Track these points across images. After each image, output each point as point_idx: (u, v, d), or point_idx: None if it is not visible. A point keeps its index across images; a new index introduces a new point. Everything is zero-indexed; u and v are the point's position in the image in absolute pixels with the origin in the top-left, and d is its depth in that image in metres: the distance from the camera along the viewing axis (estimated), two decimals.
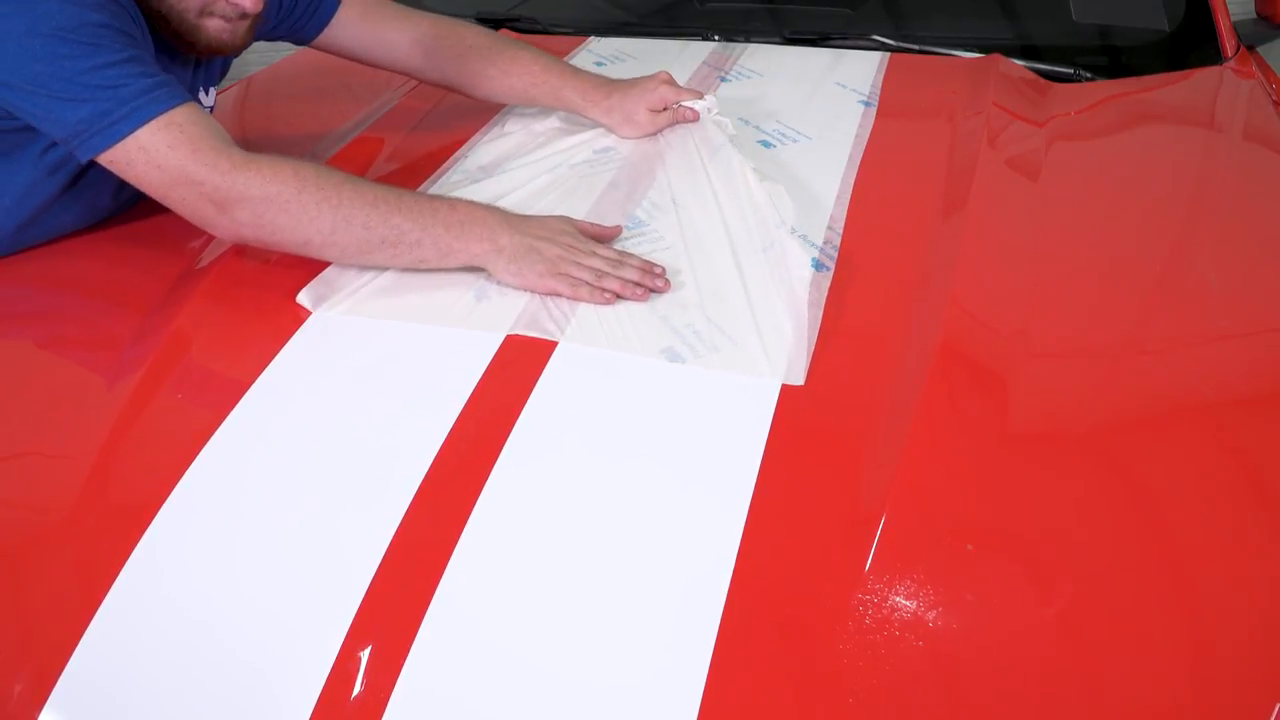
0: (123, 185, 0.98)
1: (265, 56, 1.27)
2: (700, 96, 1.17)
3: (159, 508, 0.71)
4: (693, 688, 0.60)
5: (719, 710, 0.59)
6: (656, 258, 0.95)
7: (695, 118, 1.16)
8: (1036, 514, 0.70)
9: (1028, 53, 1.39)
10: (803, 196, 1.01)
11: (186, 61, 1.05)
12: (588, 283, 0.88)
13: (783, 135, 1.18)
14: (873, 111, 1.23)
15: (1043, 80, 1.33)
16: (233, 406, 0.79)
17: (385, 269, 0.93)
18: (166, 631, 0.65)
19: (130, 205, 1.08)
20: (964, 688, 0.61)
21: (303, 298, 0.90)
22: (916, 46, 1.41)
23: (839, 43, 1.45)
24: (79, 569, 0.69)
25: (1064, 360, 0.84)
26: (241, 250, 0.97)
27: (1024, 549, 0.68)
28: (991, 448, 0.74)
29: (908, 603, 0.64)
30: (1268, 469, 0.74)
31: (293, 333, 0.86)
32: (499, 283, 0.91)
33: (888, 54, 1.40)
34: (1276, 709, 0.59)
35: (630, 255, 0.92)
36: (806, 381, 0.79)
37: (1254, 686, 0.61)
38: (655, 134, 1.17)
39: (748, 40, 1.47)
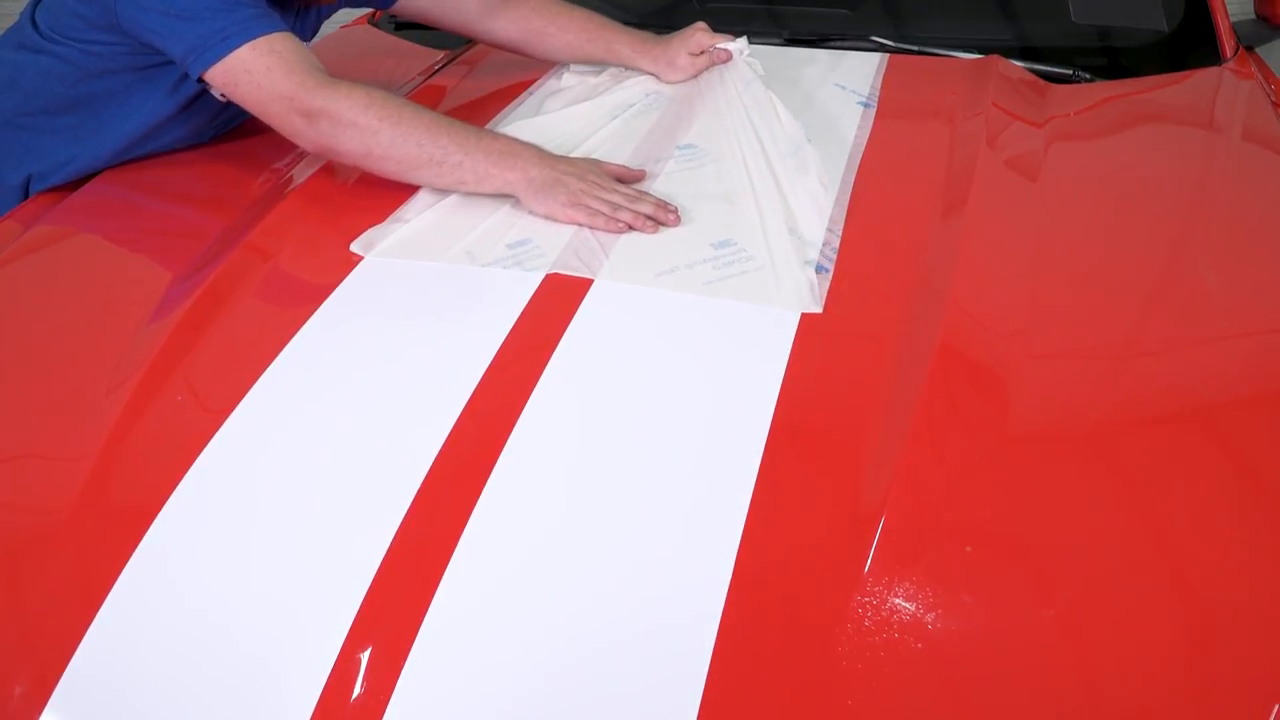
0: (214, 117, 1.19)
1: None
2: (733, 39, 1.30)
3: (166, 497, 0.71)
4: (692, 690, 0.60)
5: (717, 714, 0.59)
6: (706, 171, 1.09)
7: (729, 58, 1.29)
8: (1036, 515, 0.69)
9: (1027, 54, 1.38)
10: (798, 208, 1.03)
11: (287, 13, 1.19)
12: (604, 214, 0.99)
13: None
14: (872, 113, 1.23)
15: (1042, 81, 1.32)
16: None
17: (431, 189, 1.05)
18: (166, 633, 0.65)
19: (222, 132, 1.26)
20: (963, 689, 0.61)
21: (356, 245, 0.98)
22: (915, 48, 1.41)
23: (838, 44, 1.44)
24: (81, 562, 0.69)
25: (1063, 361, 0.84)
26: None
27: (1023, 550, 0.68)
28: (991, 449, 0.74)
29: (907, 604, 0.63)
30: (1267, 470, 0.74)
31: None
32: (528, 210, 1.02)
33: (887, 55, 1.40)
34: (1276, 709, 0.59)
35: (646, 194, 1.03)
36: (808, 374, 0.79)
37: (1254, 687, 0.61)
38: (695, 76, 1.30)
39: (747, 41, 1.47)
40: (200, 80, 1.07)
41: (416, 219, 1.02)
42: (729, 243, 0.96)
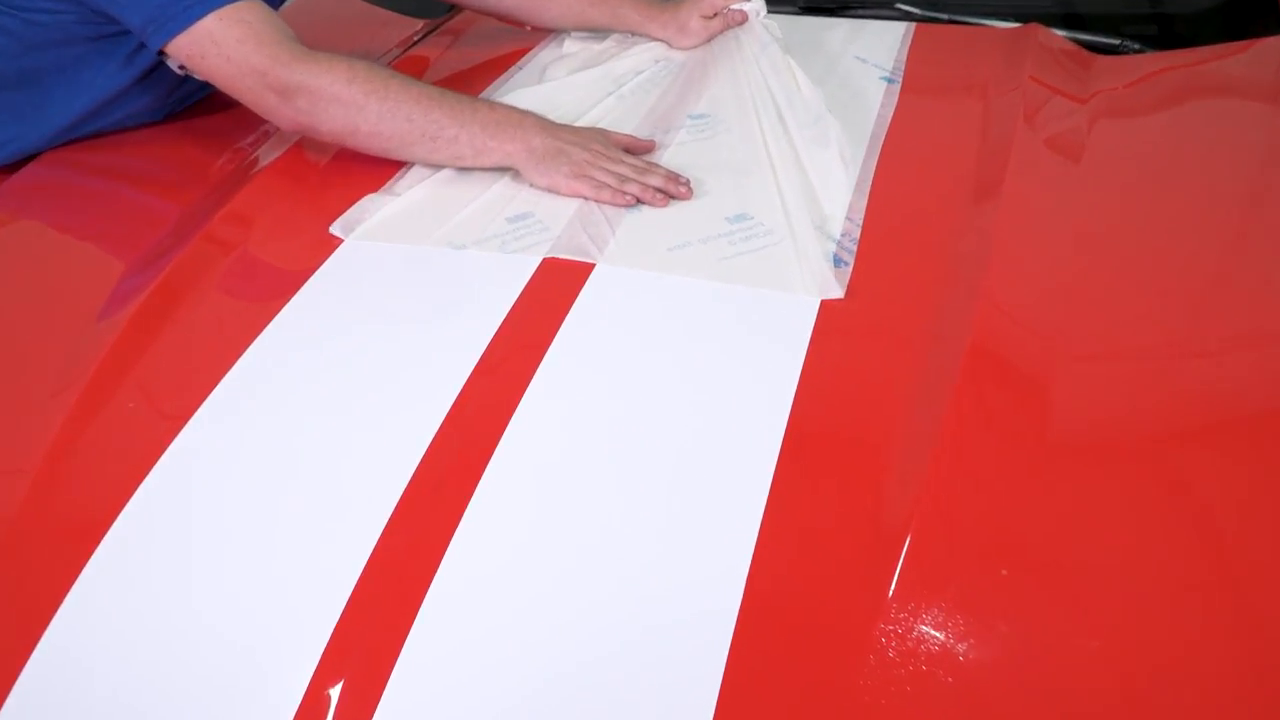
0: (172, 91, 1.13)
1: None
2: (749, 0, 1.26)
3: (116, 514, 0.68)
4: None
5: None
6: (719, 141, 1.06)
7: (744, 19, 1.26)
8: (1078, 535, 0.66)
9: (1069, 21, 1.33)
10: (819, 183, 1.00)
11: None
12: (610, 185, 0.96)
13: None
14: (896, 89, 1.19)
15: (1085, 52, 1.28)
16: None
17: (424, 166, 1.02)
18: (114, 667, 0.61)
19: (180, 108, 1.19)
20: None
21: (336, 227, 0.94)
22: (945, 16, 1.37)
23: (859, 12, 1.41)
24: (20, 586, 0.65)
25: (1108, 364, 0.80)
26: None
27: (1064, 574, 0.64)
28: (1027, 461, 0.70)
29: (935, 634, 0.60)
30: None
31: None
32: (530, 183, 0.98)
33: (913, 24, 1.36)
34: None
35: (656, 165, 1.00)
36: (827, 375, 0.76)
37: None
38: (708, 41, 1.27)
39: (764, 2, 1.42)
40: (161, 53, 1.02)
41: (407, 193, 0.99)
42: (745, 216, 0.93)
